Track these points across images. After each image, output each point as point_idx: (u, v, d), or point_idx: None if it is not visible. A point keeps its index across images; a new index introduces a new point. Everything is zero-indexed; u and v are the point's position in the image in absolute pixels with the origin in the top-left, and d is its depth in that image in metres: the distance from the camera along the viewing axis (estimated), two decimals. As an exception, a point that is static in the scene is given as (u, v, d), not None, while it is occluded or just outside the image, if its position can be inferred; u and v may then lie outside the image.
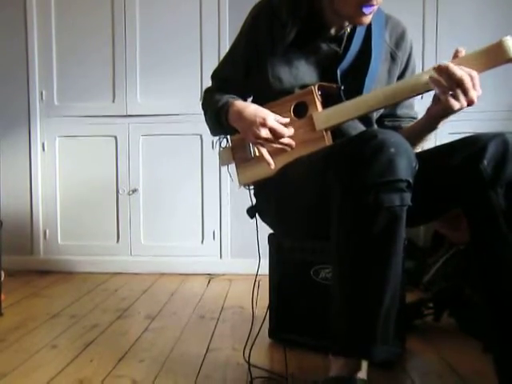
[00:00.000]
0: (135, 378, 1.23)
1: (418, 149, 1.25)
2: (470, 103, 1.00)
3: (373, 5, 1.11)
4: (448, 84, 0.99)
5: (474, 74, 0.98)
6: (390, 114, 1.32)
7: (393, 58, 1.28)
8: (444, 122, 1.13)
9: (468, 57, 1.01)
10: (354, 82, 1.21)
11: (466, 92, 0.98)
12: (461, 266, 1.75)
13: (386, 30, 1.27)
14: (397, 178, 0.90)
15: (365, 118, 1.26)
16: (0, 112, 2.63)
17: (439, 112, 1.09)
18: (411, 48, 1.31)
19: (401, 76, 1.30)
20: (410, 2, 2.39)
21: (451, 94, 0.99)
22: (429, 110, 1.13)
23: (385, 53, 1.26)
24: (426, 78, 1.04)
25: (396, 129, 1.31)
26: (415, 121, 1.33)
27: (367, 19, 1.16)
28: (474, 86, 0.98)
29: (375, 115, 1.30)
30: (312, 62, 1.25)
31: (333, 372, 1.00)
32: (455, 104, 1.00)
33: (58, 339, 1.53)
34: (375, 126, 1.31)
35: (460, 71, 0.97)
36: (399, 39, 1.29)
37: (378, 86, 1.23)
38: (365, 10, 1.11)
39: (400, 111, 1.32)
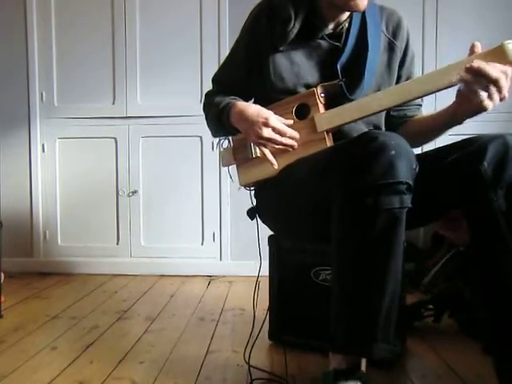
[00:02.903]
0: (135, 380, 1.23)
1: (436, 138, 1.24)
2: (502, 100, 0.97)
3: None
4: (482, 85, 0.95)
5: (510, 70, 0.95)
6: None
7: (391, 47, 1.27)
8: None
9: (469, 61, 1.01)
10: (354, 74, 1.21)
11: (500, 90, 0.95)
12: (460, 268, 1.75)
13: (381, 20, 1.27)
14: (397, 180, 0.90)
15: (374, 118, 1.26)
16: (0, 113, 2.64)
17: (469, 112, 1.04)
18: (408, 35, 1.30)
19: (401, 64, 1.29)
20: (409, 4, 2.39)
21: (485, 95, 0.96)
22: (454, 109, 1.08)
23: (383, 43, 1.26)
24: (443, 80, 1.00)
25: (402, 117, 1.32)
26: (421, 108, 1.34)
27: (361, 3, 1.13)
28: (507, 83, 0.95)
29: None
30: (313, 60, 1.25)
31: (332, 366, 1.01)
32: (489, 104, 0.97)
33: (57, 341, 1.53)
34: (383, 128, 1.31)
35: (496, 71, 0.93)
36: (396, 28, 1.28)
37: (378, 77, 1.24)
38: None
39: None
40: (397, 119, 1.33)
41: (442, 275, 1.90)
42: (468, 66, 0.95)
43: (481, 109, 0.99)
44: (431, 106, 2.18)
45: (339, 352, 1.01)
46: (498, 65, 0.94)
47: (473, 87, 0.96)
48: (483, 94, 0.96)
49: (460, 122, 1.11)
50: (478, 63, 0.94)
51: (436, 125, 1.22)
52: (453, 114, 1.10)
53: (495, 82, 0.94)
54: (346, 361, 0.99)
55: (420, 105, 1.35)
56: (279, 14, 1.24)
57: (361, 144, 0.94)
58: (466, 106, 1.02)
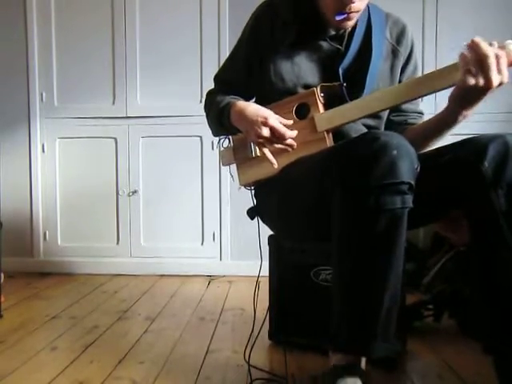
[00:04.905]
0: (135, 380, 1.23)
1: (432, 146, 1.21)
2: (488, 85, 0.93)
3: (345, 13, 1.13)
4: (471, 59, 0.93)
5: (502, 54, 0.93)
6: (395, 109, 1.30)
7: (395, 54, 1.27)
8: (467, 113, 1.06)
9: None
10: (356, 79, 1.21)
11: (484, 70, 0.92)
12: (461, 268, 1.75)
13: (386, 27, 1.28)
14: (399, 180, 0.90)
15: (375, 117, 1.25)
16: (0, 113, 2.64)
17: (456, 93, 1.01)
18: (413, 43, 1.31)
19: (402, 70, 1.29)
20: (409, 3, 2.39)
21: (478, 73, 0.93)
22: (450, 105, 1.07)
23: (386, 50, 1.26)
24: (442, 80, 1.00)
25: (402, 124, 1.31)
26: (423, 117, 1.33)
27: (346, 24, 1.18)
28: (497, 67, 0.92)
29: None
30: (314, 61, 1.25)
31: (332, 362, 1.02)
32: (470, 80, 0.94)
33: (57, 341, 1.53)
34: (383, 127, 1.31)
35: (487, 48, 0.91)
36: (400, 35, 1.29)
37: (379, 83, 1.24)
38: (336, 17, 1.14)
39: (404, 105, 1.29)
40: (397, 125, 1.31)
41: (442, 275, 1.90)
42: (469, 42, 0.94)
43: (462, 83, 0.96)
44: (431, 106, 2.18)
45: (339, 351, 1.02)
46: (498, 49, 0.93)
47: (465, 60, 0.94)
48: (475, 72, 0.94)
49: (455, 115, 1.08)
50: (480, 39, 0.93)
51: (434, 126, 1.20)
52: (450, 111, 1.09)
53: (481, 57, 0.92)
54: (347, 358, 1.00)
55: (421, 113, 1.34)
56: (280, 15, 1.25)
57: (363, 144, 0.94)
58: (461, 93, 1.00)
